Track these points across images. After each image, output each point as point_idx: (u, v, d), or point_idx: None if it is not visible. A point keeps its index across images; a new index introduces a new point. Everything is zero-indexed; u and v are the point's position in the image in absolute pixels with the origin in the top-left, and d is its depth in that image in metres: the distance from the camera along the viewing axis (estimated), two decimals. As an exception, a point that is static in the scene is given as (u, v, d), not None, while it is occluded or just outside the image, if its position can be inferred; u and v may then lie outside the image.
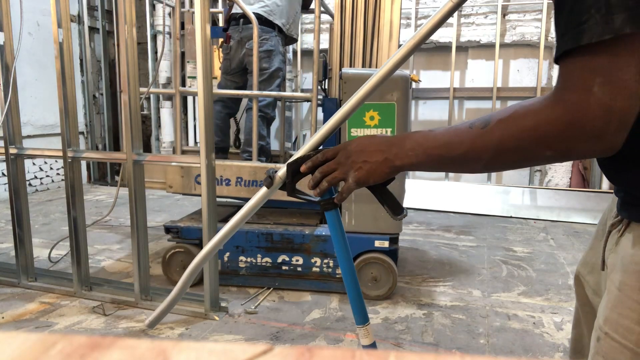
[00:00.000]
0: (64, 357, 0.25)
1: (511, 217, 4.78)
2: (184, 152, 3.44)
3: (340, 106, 2.76)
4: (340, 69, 2.83)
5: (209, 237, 2.35)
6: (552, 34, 5.41)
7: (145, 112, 6.38)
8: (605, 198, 4.78)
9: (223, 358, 0.26)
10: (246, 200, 2.89)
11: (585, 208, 4.72)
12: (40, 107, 5.66)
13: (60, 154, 2.52)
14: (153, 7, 6.03)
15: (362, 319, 1.03)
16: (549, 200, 4.90)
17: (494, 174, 5.55)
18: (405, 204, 2.57)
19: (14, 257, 2.74)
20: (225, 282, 2.77)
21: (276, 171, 1.00)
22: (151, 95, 6.35)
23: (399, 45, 2.80)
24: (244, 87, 3.28)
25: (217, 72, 3.71)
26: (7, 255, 3.30)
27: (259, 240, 2.72)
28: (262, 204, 1.10)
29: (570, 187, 5.41)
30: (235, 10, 3.15)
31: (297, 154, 0.97)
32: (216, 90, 3.15)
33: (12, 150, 2.64)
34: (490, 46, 5.48)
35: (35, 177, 5.82)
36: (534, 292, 2.82)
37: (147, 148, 6.38)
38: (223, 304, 2.47)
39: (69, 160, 2.51)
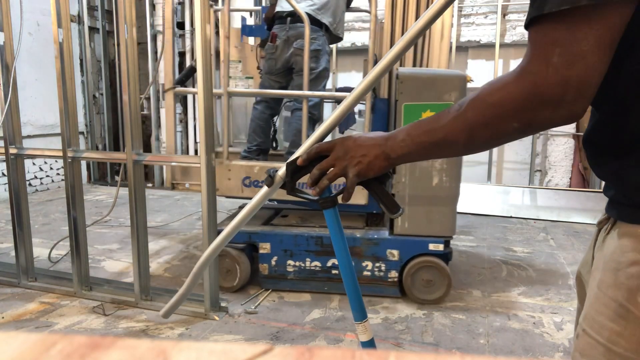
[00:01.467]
0: (64, 357, 0.25)
1: (511, 217, 4.78)
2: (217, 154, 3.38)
3: (391, 106, 2.73)
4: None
5: (209, 238, 2.35)
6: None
7: (145, 112, 6.38)
8: (605, 198, 4.76)
9: (223, 358, 0.26)
10: (288, 203, 2.89)
11: (585, 208, 4.72)
12: (40, 107, 5.66)
13: (60, 154, 2.52)
14: (153, 7, 6.03)
15: (361, 315, 1.04)
16: (549, 200, 4.90)
17: (493, 174, 5.55)
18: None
19: (14, 257, 2.74)
20: (273, 287, 2.74)
21: (276, 170, 1.00)
22: (151, 95, 6.35)
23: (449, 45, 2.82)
24: (286, 88, 3.20)
25: (253, 72, 3.62)
26: (7, 255, 3.30)
27: (308, 244, 2.67)
28: (263, 204, 1.10)
29: (570, 187, 5.41)
30: (280, 8, 3.08)
31: (296, 154, 0.98)
32: (271, 91, 3.12)
33: (12, 150, 2.64)
34: (490, 46, 5.48)
35: (35, 177, 5.82)
36: (534, 292, 2.82)
37: (147, 148, 6.38)
38: (223, 304, 2.47)
39: (69, 160, 2.51)
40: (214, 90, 3.16)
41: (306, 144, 0.98)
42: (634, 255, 0.70)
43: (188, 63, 6.15)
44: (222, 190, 2.79)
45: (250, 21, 4.60)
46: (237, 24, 4.13)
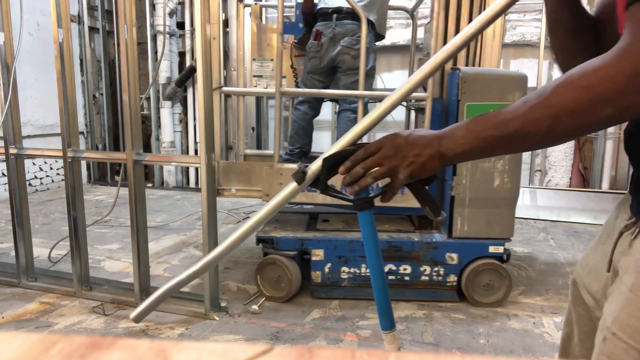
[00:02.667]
0: (64, 357, 0.25)
1: (511, 217, 4.78)
2: (246, 157, 3.25)
3: (445, 106, 2.69)
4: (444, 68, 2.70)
5: (209, 238, 2.35)
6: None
7: (145, 112, 6.38)
8: (605, 198, 4.78)
9: (223, 358, 0.26)
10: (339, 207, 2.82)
11: (585, 208, 4.71)
12: (40, 107, 5.66)
13: (60, 154, 2.52)
14: (153, 7, 6.03)
15: (389, 324, 0.99)
16: (549, 200, 4.89)
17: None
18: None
19: (14, 257, 2.74)
20: (325, 295, 2.63)
21: (307, 166, 0.91)
22: (151, 95, 6.35)
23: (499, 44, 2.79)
24: (328, 87, 3.10)
25: (286, 71, 3.52)
26: (7, 255, 3.30)
27: (363, 250, 2.59)
28: (287, 202, 1.00)
29: (570, 187, 5.41)
30: (324, 4, 2.99)
31: (333, 149, 0.89)
32: (327, 91, 3.02)
33: (12, 150, 2.64)
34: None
35: (35, 177, 5.82)
36: (534, 292, 2.82)
37: (147, 148, 6.38)
38: (223, 304, 2.47)
39: (69, 160, 2.51)
40: (265, 91, 3.04)
41: (344, 140, 0.91)
42: None
43: (188, 63, 6.15)
44: (273, 196, 2.70)
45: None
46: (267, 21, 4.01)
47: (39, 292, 2.68)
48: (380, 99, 2.87)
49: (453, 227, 2.56)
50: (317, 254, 2.60)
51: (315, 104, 3.20)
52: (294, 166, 2.64)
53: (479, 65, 2.85)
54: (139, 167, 2.45)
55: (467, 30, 0.88)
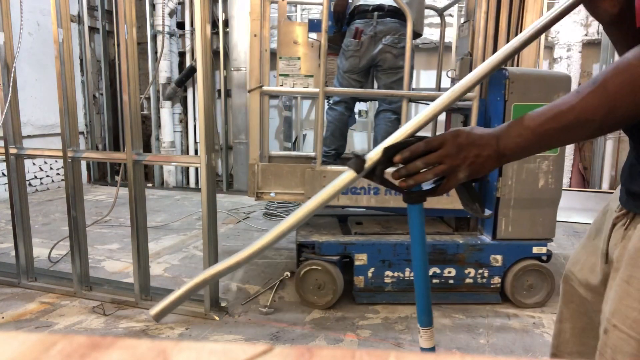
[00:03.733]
0: (64, 357, 0.25)
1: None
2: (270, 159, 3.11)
3: (486, 106, 2.64)
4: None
5: (209, 238, 2.35)
6: (552, 34, 5.41)
7: (145, 112, 6.38)
8: (605, 198, 4.77)
9: (223, 358, 0.26)
10: (390, 210, 2.77)
11: (585, 208, 4.71)
12: (40, 107, 5.66)
13: (60, 154, 2.53)
14: (153, 7, 6.03)
15: (428, 321, 0.99)
16: (549, 200, 4.89)
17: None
18: None
19: (14, 257, 2.74)
20: (368, 301, 2.57)
21: (365, 155, 0.88)
22: (151, 95, 6.35)
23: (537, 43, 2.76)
24: (364, 87, 3.03)
25: (312, 69, 3.50)
26: (7, 255, 3.30)
27: (408, 253, 2.53)
28: (343, 190, 0.93)
29: (570, 187, 5.40)
30: (364, 1, 2.91)
31: (393, 138, 0.87)
32: (375, 91, 2.94)
33: (12, 150, 2.64)
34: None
35: (35, 177, 5.82)
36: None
37: (147, 148, 6.38)
38: (223, 304, 2.47)
39: (69, 160, 2.51)
40: (307, 90, 2.94)
41: (404, 130, 0.88)
42: None
43: (188, 63, 6.16)
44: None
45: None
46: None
47: (39, 292, 2.68)
48: (426, 99, 2.84)
49: (497, 228, 2.55)
50: (361, 259, 2.54)
51: (351, 104, 3.14)
52: (338, 168, 2.58)
53: (518, 65, 2.85)
54: (139, 167, 2.45)
55: (526, 32, 0.86)
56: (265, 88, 2.59)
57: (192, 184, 6.44)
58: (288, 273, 3.01)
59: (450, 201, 2.45)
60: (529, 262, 2.54)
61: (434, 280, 2.57)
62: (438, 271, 2.56)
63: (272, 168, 2.59)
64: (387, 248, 2.55)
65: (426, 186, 0.87)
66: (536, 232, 2.54)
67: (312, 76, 3.46)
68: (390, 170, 0.86)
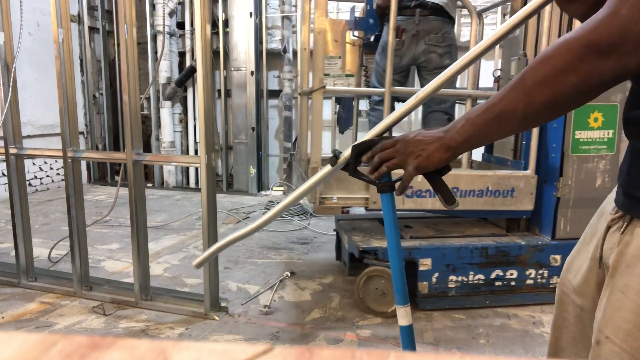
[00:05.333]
0: (64, 357, 0.25)
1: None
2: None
3: None
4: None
5: (209, 238, 2.35)
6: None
7: (145, 112, 6.38)
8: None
9: (223, 358, 0.26)
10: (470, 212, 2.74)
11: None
12: (40, 107, 5.66)
13: (60, 154, 2.53)
14: (153, 7, 6.03)
15: (403, 300, 1.09)
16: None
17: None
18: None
19: (14, 257, 2.74)
20: (432, 307, 2.52)
21: (341, 152, 1.08)
22: (151, 95, 6.35)
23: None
24: (404, 86, 2.96)
25: (353, 69, 3.41)
26: (7, 255, 3.30)
27: (472, 256, 2.51)
28: (322, 181, 1.16)
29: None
30: None
31: (364, 138, 1.06)
32: (448, 90, 2.83)
33: (12, 150, 2.64)
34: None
35: (35, 177, 5.82)
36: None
37: (147, 148, 6.38)
38: (223, 304, 2.47)
39: (69, 160, 2.51)
40: (373, 90, 2.84)
41: (374, 130, 1.06)
42: None
43: (188, 63, 6.16)
44: (380, 203, 2.51)
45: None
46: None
47: (39, 292, 2.68)
48: (481, 97, 2.78)
49: (556, 228, 2.56)
50: (425, 264, 2.47)
51: (393, 103, 3.06)
52: (400, 170, 2.53)
53: None
54: (139, 167, 2.45)
55: (499, 30, 0.95)
56: (329, 88, 2.53)
57: (192, 184, 6.44)
58: (288, 273, 3.01)
59: (491, 202, 2.48)
60: None
61: (497, 283, 2.55)
62: (501, 273, 2.55)
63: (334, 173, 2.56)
64: (451, 252, 2.50)
65: (394, 179, 1.04)
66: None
67: (353, 76, 3.35)
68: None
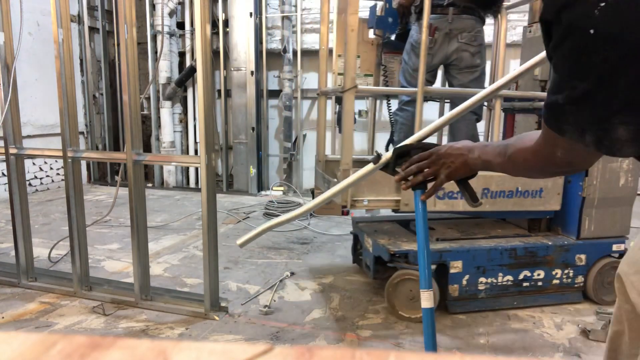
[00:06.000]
0: (64, 357, 0.25)
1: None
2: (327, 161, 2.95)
3: None
4: None
5: (209, 238, 2.35)
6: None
7: (145, 112, 6.38)
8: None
9: (223, 358, 0.26)
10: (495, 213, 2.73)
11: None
12: (40, 107, 5.66)
13: (60, 154, 2.52)
14: (153, 7, 6.03)
15: (427, 284, 1.22)
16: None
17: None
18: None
19: (14, 257, 2.74)
20: (461, 310, 2.49)
21: (382, 154, 1.24)
22: (151, 95, 6.35)
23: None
24: (432, 86, 2.92)
25: (371, 68, 3.25)
26: (7, 255, 3.30)
27: (502, 258, 2.50)
28: (367, 177, 1.30)
29: None
30: None
31: (405, 142, 1.22)
32: (476, 90, 2.76)
33: (12, 150, 2.64)
34: (489, 46, 5.46)
35: (35, 177, 5.82)
36: (534, 292, 2.82)
37: (147, 148, 6.38)
38: (223, 304, 2.47)
39: (69, 160, 2.51)
40: (404, 90, 2.75)
41: (415, 136, 1.23)
42: None
43: (188, 63, 6.15)
44: (411, 205, 2.41)
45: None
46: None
47: (39, 292, 2.68)
48: (525, 98, 2.77)
49: (581, 228, 2.57)
50: (456, 266, 2.45)
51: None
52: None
53: None
54: (139, 167, 2.45)
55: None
56: (361, 87, 2.49)
57: (192, 184, 6.44)
58: (288, 273, 3.01)
59: (521, 203, 2.50)
60: (608, 259, 2.58)
61: (525, 284, 2.55)
62: (528, 274, 2.55)
63: None
64: (481, 254, 2.49)
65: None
66: (614, 230, 2.58)
67: (371, 75, 3.20)
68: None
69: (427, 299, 1.22)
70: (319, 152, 2.87)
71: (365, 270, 2.75)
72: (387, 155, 1.21)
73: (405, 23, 3.06)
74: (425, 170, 1.14)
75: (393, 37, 3.22)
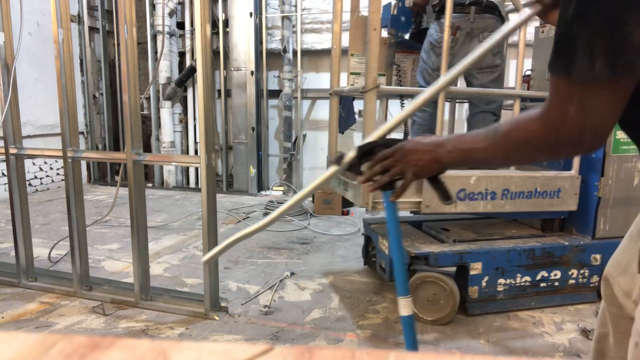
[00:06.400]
0: (64, 357, 0.25)
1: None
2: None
3: None
4: None
5: (209, 238, 2.35)
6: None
7: (145, 112, 6.38)
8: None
9: (223, 358, 0.26)
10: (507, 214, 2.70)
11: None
12: (40, 107, 5.66)
13: (60, 154, 2.53)
14: (153, 7, 6.03)
15: (405, 291, 1.16)
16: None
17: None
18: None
19: (14, 257, 2.74)
20: (481, 311, 2.48)
21: (345, 153, 1.13)
22: (151, 95, 6.35)
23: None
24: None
25: (383, 67, 3.22)
26: (7, 255, 3.30)
27: (520, 259, 2.50)
28: (329, 181, 1.19)
29: None
30: None
31: (367, 139, 1.09)
32: (498, 91, 2.79)
33: (12, 150, 2.64)
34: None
35: (35, 177, 5.82)
36: (534, 292, 2.82)
37: (147, 148, 6.38)
38: (223, 304, 2.47)
39: (69, 160, 2.51)
40: (421, 90, 2.71)
41: (377, 132, 1.10)
42: None
43: (188, 63, 6.15)
44: (434, 207, 2.38)
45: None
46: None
47: (39, 292, 2.68)
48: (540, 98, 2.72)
49: (596, 227, 2.57)
50: (476, 268, 2.44)
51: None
52: (455, 173, 2.41)
53: None
54: (139, 167, 2.45)
55: (489, 41, 1.03)
56: (383, 87, 2.44)
57: (192, 184, 6.44)
58: (288, 273, 3.01)
59: (539, 203, 2.49)
60: None
61: (542, 284, 2.55)
62: (546, 274, 2.55)
63: None
64: (501, 255, 2.48)
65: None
66: (627, 230, 2.56)
67: (384, 75, 3.14)
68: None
69: (405, 306, 1.17)
70: (331, 153, 2.86)
71: (380, 272, 2.73)
72: (350, 155, 1.09)
73: (419, 22, 3.02)
74: (391, 169, 1.02)
75: (407, 36, 3.19)
